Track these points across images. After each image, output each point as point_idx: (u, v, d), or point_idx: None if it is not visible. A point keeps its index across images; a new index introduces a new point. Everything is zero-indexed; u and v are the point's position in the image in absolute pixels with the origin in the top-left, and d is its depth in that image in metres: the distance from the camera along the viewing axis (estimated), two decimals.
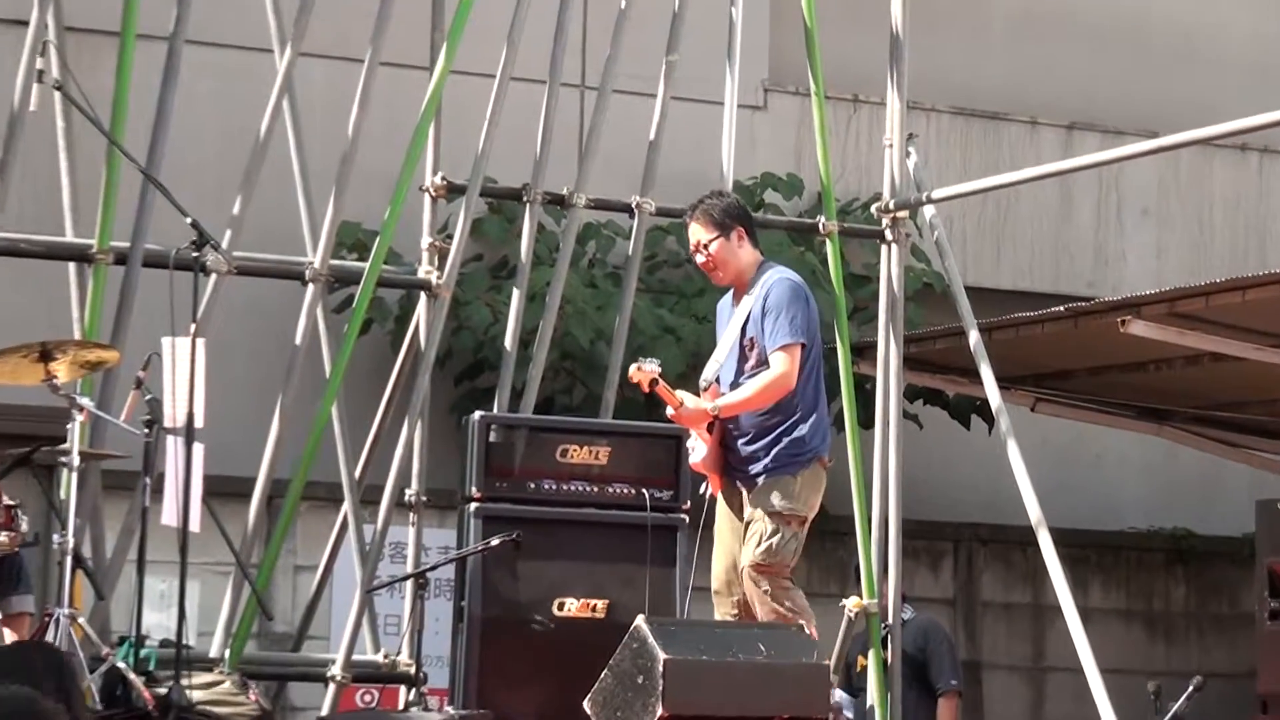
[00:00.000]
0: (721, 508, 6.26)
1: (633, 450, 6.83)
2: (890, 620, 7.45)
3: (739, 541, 6.18)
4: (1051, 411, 10.06)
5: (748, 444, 6.12)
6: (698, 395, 6.25)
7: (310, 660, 7.24)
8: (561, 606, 6.62)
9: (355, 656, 7.04)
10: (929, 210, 7.79)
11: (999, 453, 7.43)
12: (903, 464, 7.47)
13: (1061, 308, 8.61)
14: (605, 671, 5.68)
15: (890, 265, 7.68)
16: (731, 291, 6.31)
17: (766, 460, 6.10)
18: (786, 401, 6.07)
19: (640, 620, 5.65)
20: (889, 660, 7.35)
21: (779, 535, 6.06)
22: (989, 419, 10.11)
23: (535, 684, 6.51)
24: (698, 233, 6.21)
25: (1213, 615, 11.44)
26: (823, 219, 7.78)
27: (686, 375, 9.86)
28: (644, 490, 6.73)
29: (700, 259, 6.23)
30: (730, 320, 6.21)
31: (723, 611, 6.22)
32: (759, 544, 6.05)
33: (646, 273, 10.38)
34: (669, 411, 6.08)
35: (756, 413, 6.11)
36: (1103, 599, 11.25)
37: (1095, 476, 11.66)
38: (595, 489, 6.75)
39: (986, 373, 7.44)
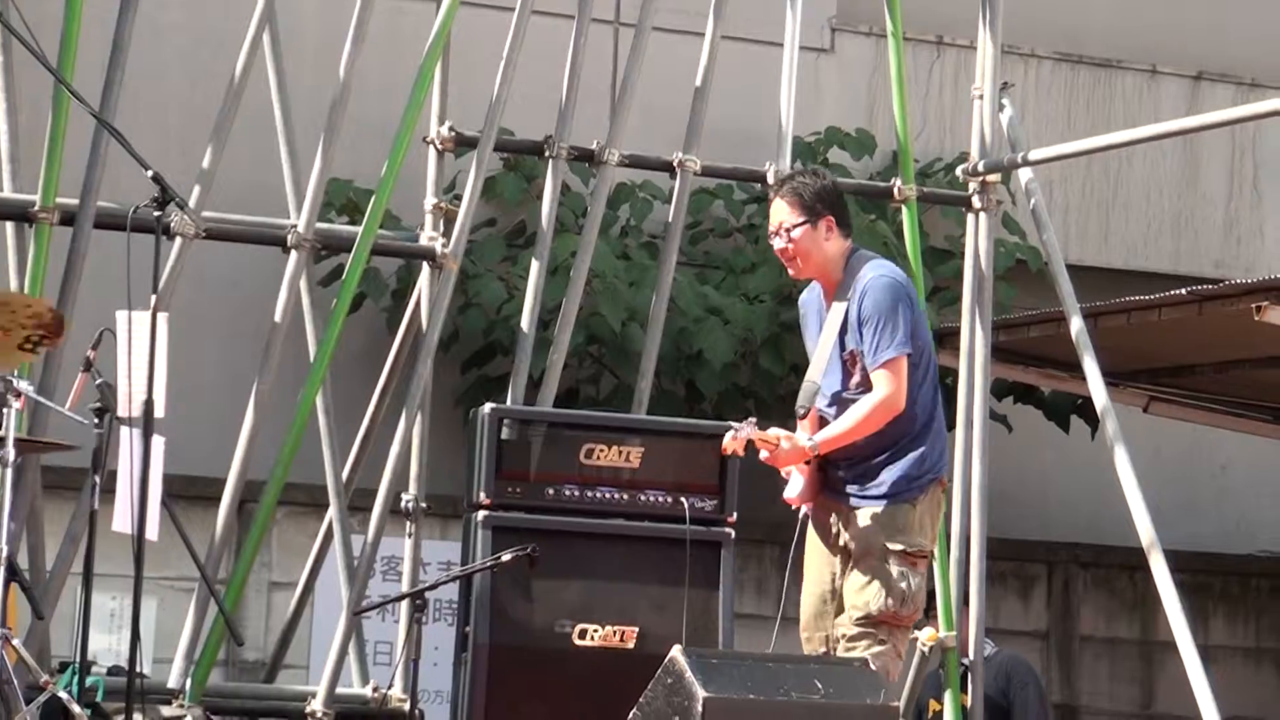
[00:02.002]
0: (814, 535, 6.26)
1: (670, 451, 6.83)
2: (972, 656, 7.43)
3: (831, 570, 6.18)
4: (1169, 413, 10.03)
5: (856, 465, 6.13)
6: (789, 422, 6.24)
7: (286, 693, 7.27)
8: (584, 634, 6.63)
9: (339, 690, 7.06)
10: (1025, 174, 7.75)
11: (1103, 461, 7.40)
12: (989, 473, 7.45)
13: (1183, 290, 8.58)
14: (634, 711, 5.69)
15: (978, 238, 7.66)
16: (819, 286, 6.30)
17: (881, 485, 6.11)
18: (905, 416, 6.08)
19: (676, 651, 5.65)
20: (969, 705, 7.33)
21: (908, 581, 6.08)
22: (1092, 421, 10.10)
23: None
24: (781, 213, 6.22)
25: None
26: (898, 182, 7.76)
27: (736, 365, 9.98)
28: (683, 498, 6.74)
29: (778, 243, 6.23)
30: (824, 326, 6.20)
31: (814, 649, 6.22)
32: (882, 591, 6.06)
33: (689, 243, 10.39)
34: (763, 456, 6.10)
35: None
36: (1227, 635, 11.20)
37: (1220, 490, 11.61)
38: (625, 496, 6.77)
39: (1091, 366, 7.41)
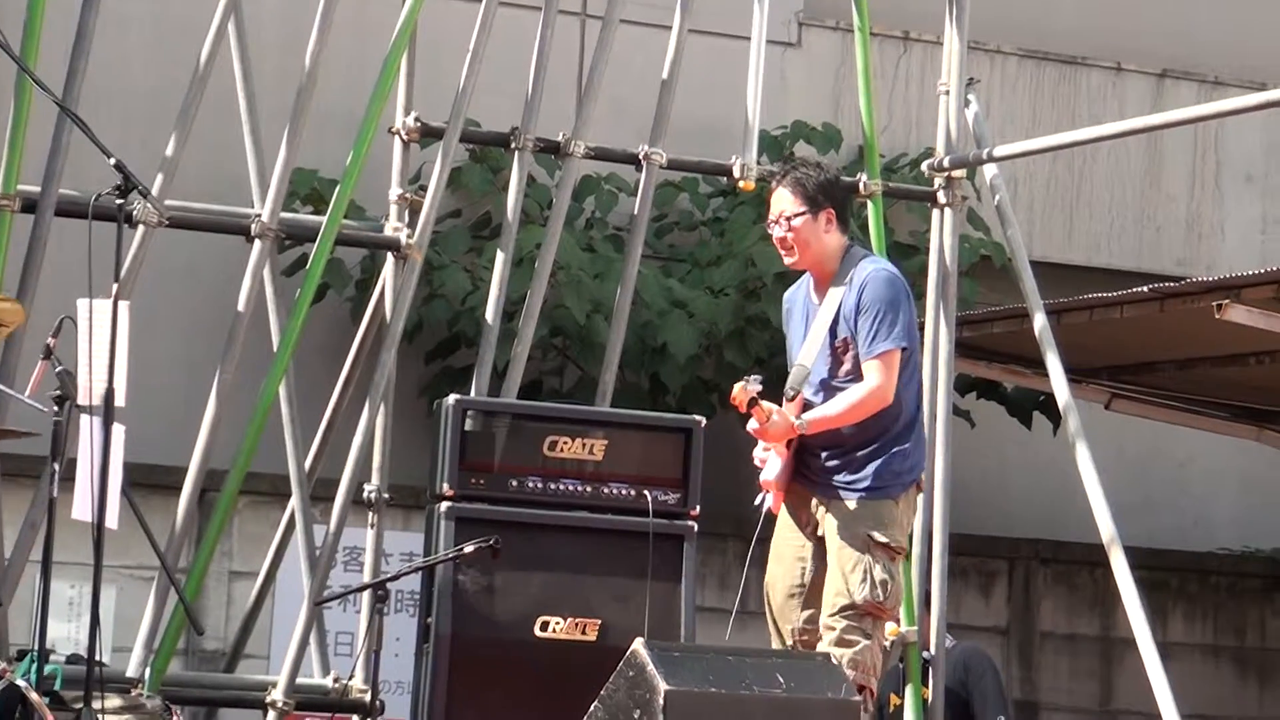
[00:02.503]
0: (785, 523, 6.24)
1: (634, 444, 6.83)
2: (933, 651, 7.45)
3: (802, 564, 6.16)
4: (1130, 410, 10.05)
5: (840, 455, 6.12)
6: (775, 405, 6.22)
7: (246, 683, 7.25)
8: (546, 626, 6.62)
9: (300, 680, 7.04)
10: (990, 170, 7.76)
11: (1065, 457, 7.42)
12: (951, 468, 7.46)
13: (1145, 288, 8.59)
14: (595, 704, 5.68)
15: (943, 234, 7.67)
16: (808, 282, 6.29)
17: (865, 478, 6.10)
18: (893, 408, 6.08)
19: (638, 644, 5.65)
20: (929, 698, 7.34)
21: (890, 573, 6.07)
22: (1055, 417, 10.12)
23: (512, 716, 6.52)
24: (784, 202, 6.21)
25: None
26: (864, 177, 7.76)
27: (700, 358, 9.98)
28: (646, 491, 6.74)
29: (778, 232, 6.22)
30: (816, 315, 6.19)
31: (781, 641, 6.20)
32: (867, 579, 6.04)
33: (654, 236, 10.39)
34: (751, 426, 6.08)
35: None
36: (1186, 632, 11.24)
37: (1180, 488, 11.65)
38: (588, 489, 6.76)
39: (1054, 363, 7.43)
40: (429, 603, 6.62)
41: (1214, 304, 8.03)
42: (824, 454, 6.12)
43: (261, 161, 7.31)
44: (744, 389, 5.93)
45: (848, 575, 6.04)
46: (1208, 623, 11.31)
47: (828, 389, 6.15)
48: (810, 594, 6.17)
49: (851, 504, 6.09)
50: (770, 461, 6.16)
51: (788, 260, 6.26)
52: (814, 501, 6.15)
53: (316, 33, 7.24)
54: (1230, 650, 11.33)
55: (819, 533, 6.15)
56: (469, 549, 6.41)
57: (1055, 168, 11.57)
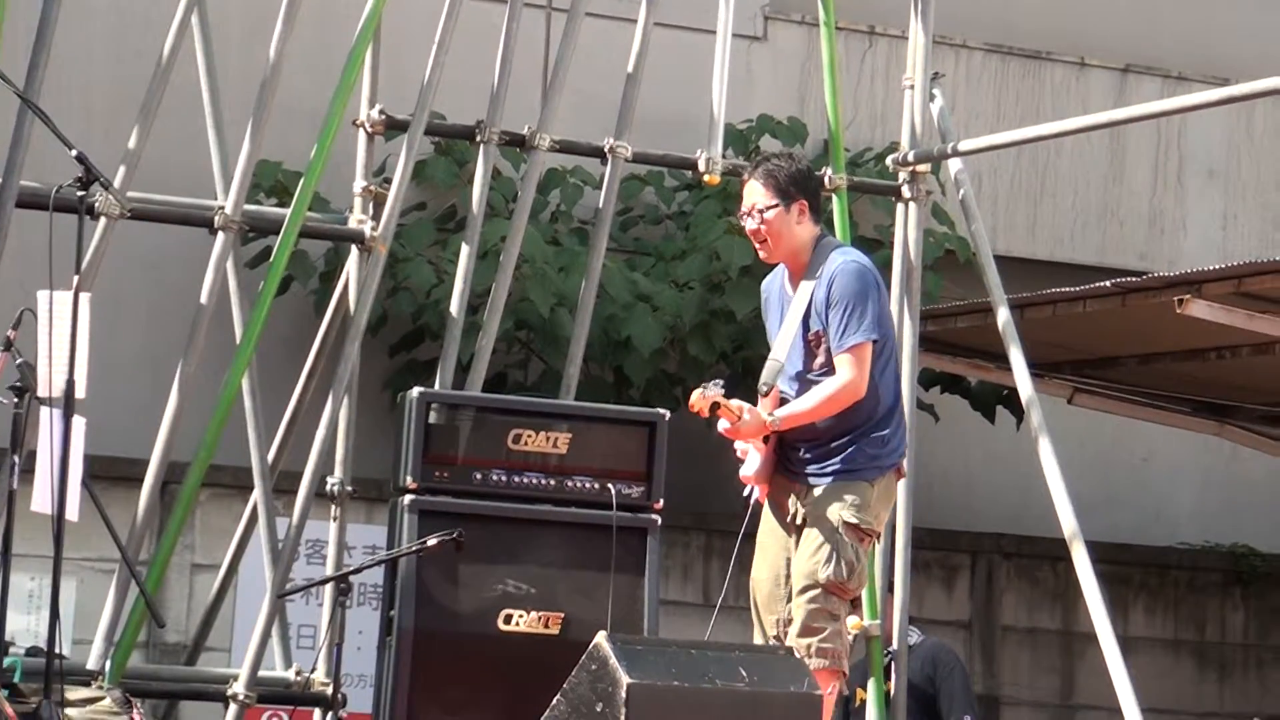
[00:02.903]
0: (769, 516, 6.25)
1: (598, 437, 6.83)
2: (896, 645, 7.47)
3: (787, 554, 6.16)
4: (1092, 404, 10.09)
5: (817, 447, 6.13)
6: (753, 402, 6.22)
7: (208, 675, 7.23)
8: (509, 620, 6.62)
9: (262, 673, 7.02)
10: (955, 164, 7.79)
11: (1028, 452, 7.45)
12: (915, 462, 7.48)
13: (1108, 283, 8.63)
14: (558, 697, 5.68)
15: (907, 228, 7.68)
16: (784, 271, 6.29)
17: (836, 462, 6.10)
18: (868, 399, 6.09)
19: (601, 638, 5.65)
20: (892, 692, 7.36)
21: (857, 555, 6.06)
22: (1018, 412, 10.16)
23: (475, 709, 6.51)
24: (755, 195, 6.21)
25: (1276, 647, 11.50)
26: (829, 171, 7.78)
27: (665, 352, 9.98)
28: (610, 484, 6.74)
29: (750, 224, 6.22)
30: (789, 308, 6.20)
31: (766, 633, 6.20)
32: (832, 559, 6.03)
33: (619, 229, 10.39)
34: (722, 426, 6.07)
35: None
36: (1146, 626, 11.29)
37: (1142, 482, 11.70)
38: (552, 482, 6.76)
39: (1017, 357, 7.45)
40: (392, 596, 6.61)
41: (1175, 299, 8.07)
42: (802, 447, 6.13)
43: (225, 154, 7.29)
44: (703, 395, 5.93)
45: (814, 555, 6.03)
46: (1168, 617, 11.37)
47: (803, 382, 6.16)
48: (791, 590, 6.16)
49: (823, 488, 6.09)
50: (750, 456, 6.17)
51: (761, 254, 6.25)
52: (794, 493, 6.16)
53: (281, 25, 7.22)
54: (1190, 644, 11.39)
55: (798, 523, 6.16)
56: (432, 542, 6.40)
57: (1019, 162, 11.60)
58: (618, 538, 6.66)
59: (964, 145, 7.69)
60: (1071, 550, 7.08)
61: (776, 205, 6.18)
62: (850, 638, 6.66)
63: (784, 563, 6.18)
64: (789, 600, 6.14)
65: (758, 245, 6.24)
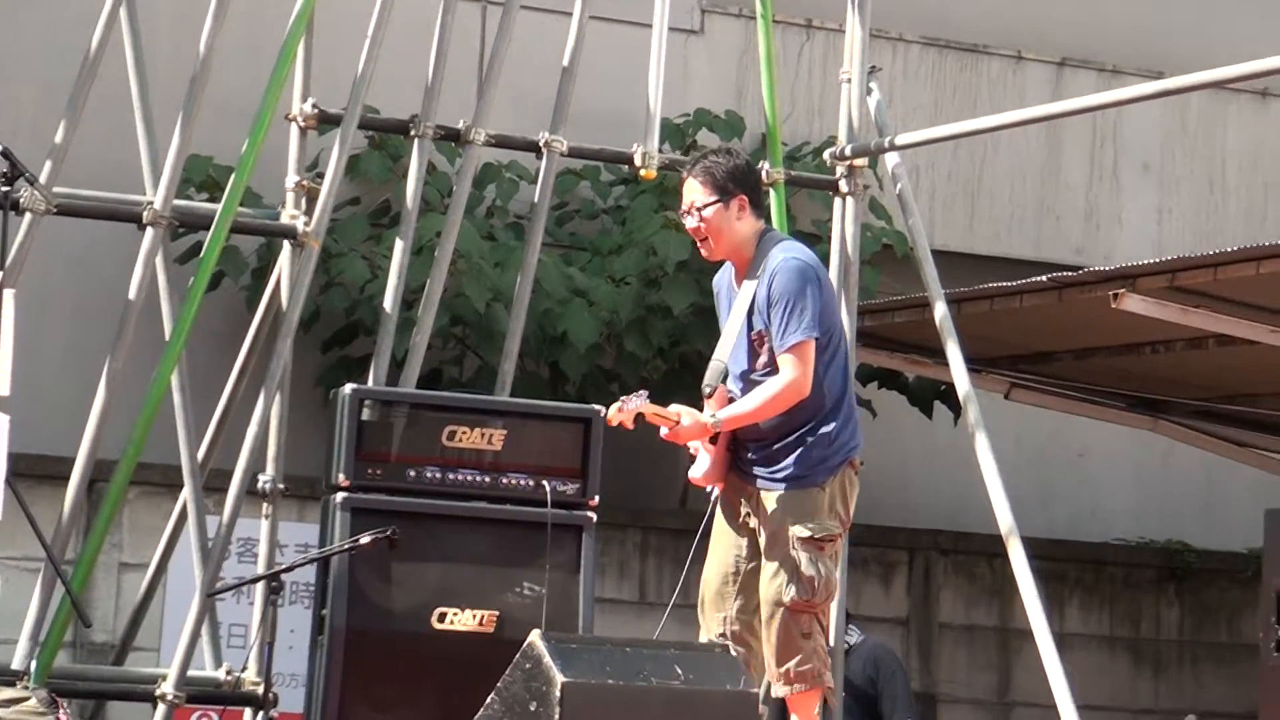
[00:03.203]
0: (721, 515, 6.23)
1: (533, 434, 6.82)
2: (832, 643, 7.47)
3: (737, 552, 6.15)
4: (1029, 400, 10.13)
5: (763, 448, 6.11)
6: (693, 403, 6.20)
7: (136, 675, 7.18)
8: (443, 618, 6.59)
9: (191, 672, 6.98)
10: (892, 158, 7.79)
11: (965, 447, 7.46)
12: None
13: (1044, 278, 8.66)
14: (492, 696, 5.66)
15: (844, 222, 7.69)
16: (730, 267, 6.27)
17: (790, 466, 6.08)
18: (813, 397, 6.06)
19: (535, 636, 5.63)
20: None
21: (819, 566, 6.04)
22: (955, 407, 10.18)
23: (409, 709, 6.49)
24: (694, 193, 6.18)
25: (1211, 644, 11.56)
26: (766, 165, 7.77)
27: (601, 347, 9.96)
28: (545, 481, 6.72)
29: (690, 222, 6.19)
30: (733, 306, 6.18)
31: (711, 631, 6.18)
32: (793, 579, 6.02)
33: (555, 224, 10.36)
34: (663, 432, 6.05)
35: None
36: (1082, 623, 11.34)
37: (1077, 478, 11.75)
38: (487, 479, 6.74)
39: (954, 352, 7.46)
40: (324, 595, 6.58)
41: (1110, 294, 8.10)
42: (750, 448, 6.12)
43: (154, 148, 7.24)
44: (620, 410, 5.91)
45: (774, 579, 6.04)
46: (1104, 613, 11.42)
47: (748, 382, 6.14)
48: (744, 583, 6.15)
49: (773, 498, 6.08)
50: (700, 458, 6.16)
51: (703, 252, 6.23)
52: (745, 495, 6.16)
53: (211, 16, 7.18)
54: (1125, 641, 11.45)
55: (751, 525, 6.15)
56: (365, 540, 6.37)
57: (957, 156, 11.63)
58: (553, 535, 6.64)
59: (901, 139, 7.70)
60: (1008, 546, 7.10)
61: (715, 202, 6.15)
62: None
63: (733, 560, 6.17)
64: (736, 598, 6.14)
65: (699, 243, 6.23)
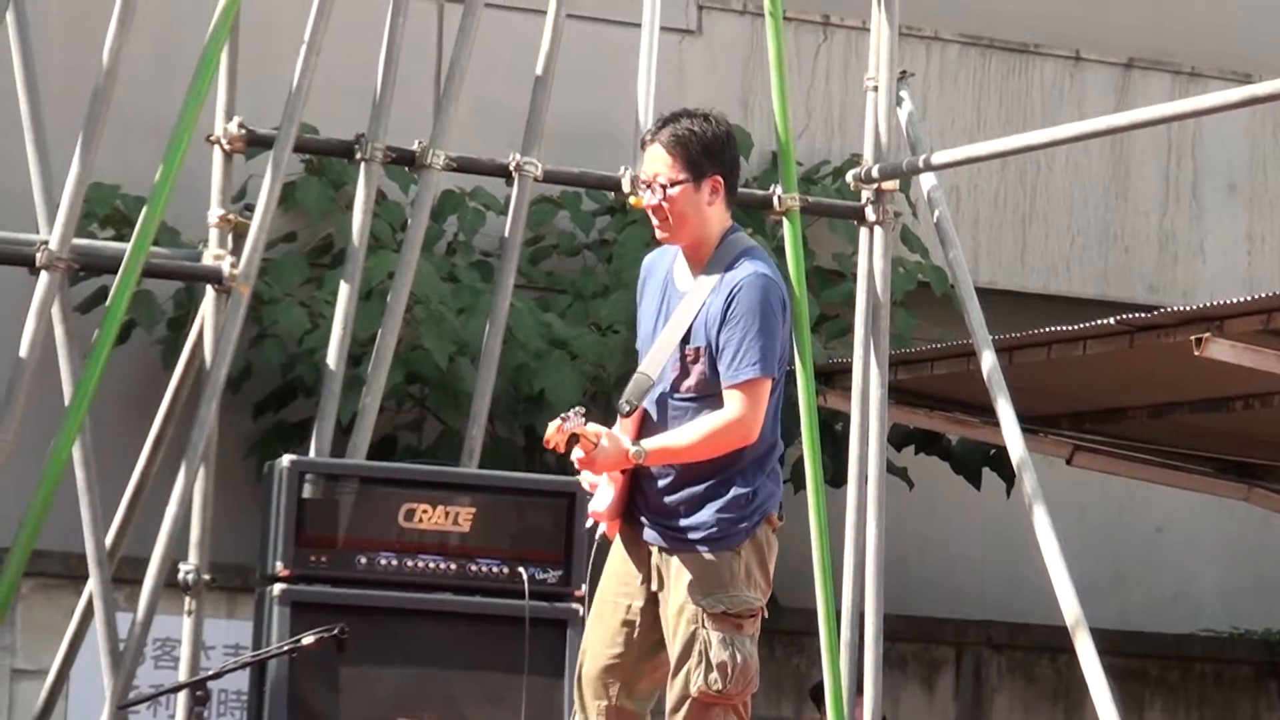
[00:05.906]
0: (612, 571, 6.07)
1: (507, 511, 6.86)
2: None
3: (629, 600, 6.00)
4: (1096, 465, 10.16)
5: (672, 490, 6.00)
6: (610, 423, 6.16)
7: None
8: None
9: None
10: (927, 180, 7.85)
11: (1021, 523, 7.50)
12: (886, 537, 7.52)
13: (1112, 320, 8.71)
14: None
15: (872, 257, 7.73)
16: (676, 255, 6.16)
17: (698, 524, 5.96)
18: (747, 447, 6.00)
19: None
20: None
21: (735, 649, 5.89)
22: (1007, 475, 10.22)
23: None
24: (659, 164, 5.98)
25: None
26: (778, 189, 7.82)
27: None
28: (522, 568, 6.75)
29: (650, 198, 6.02)
30: (675, 311, 6.07)
31: (588, 717, 6.05)
32: (701, 665, 5.91)
33: (529, 263, 10.41)
34: (576, 456, 5.96)
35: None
36: None
37: (1155, 557, 11.78)
38: (453, 566, 6.78)
39: (1005, 409, 7.51)
40: (259, 706, 6.60)
41: (1192, 338, 8.14)
42: (659, 483, 5.95)
43: (49, 176, 7.28)
44: (560, 429, 5.84)
45: (680, 665, 5.87)
46: (1191, 717, 11.45)
47: (663, 404, 5.99)
48: (630, 665, 5.98)
49: (682, 560, 5.87)
50: (601, 490, 5.98)
51: (660, 233, 6.04)
52: (644, 551, 6.03)
53: (116, 20, 7.22)
54: None
55: (653, 587, 6.01)
56: (308, 640, 6.39)
57: (1005, 177, 11.71)
58: (532, 631, 6.67)
59: (938, 157, 7.75)
60: (1075, 640, 7.13)
61: (685, 180, 5.98)
62: None
63: (622, 635, 5.83)
64: (620, 683, 5.92)
65: (657, 223, 6.06)
